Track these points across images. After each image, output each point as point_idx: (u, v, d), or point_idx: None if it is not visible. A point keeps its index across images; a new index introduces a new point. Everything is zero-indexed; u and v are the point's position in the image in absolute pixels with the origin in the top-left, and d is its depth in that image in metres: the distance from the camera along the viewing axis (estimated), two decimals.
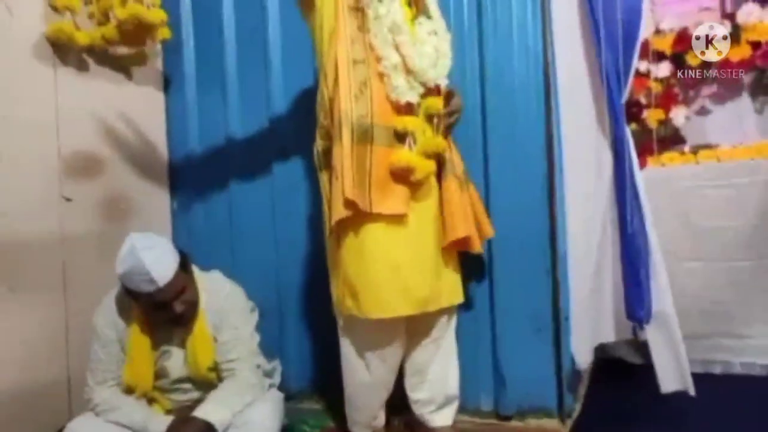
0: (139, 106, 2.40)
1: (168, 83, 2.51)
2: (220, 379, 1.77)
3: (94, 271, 2.08)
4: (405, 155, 1.69)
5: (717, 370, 2.34)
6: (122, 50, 2.28)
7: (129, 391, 1.74)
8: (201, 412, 1.65)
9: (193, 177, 2.48)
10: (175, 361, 1.76)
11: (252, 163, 2.37)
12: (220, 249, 2.38)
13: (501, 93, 2.04)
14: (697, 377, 2.17)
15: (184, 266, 1.69)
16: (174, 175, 2.52)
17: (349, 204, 1.66)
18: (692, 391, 1.90)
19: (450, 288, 1.84)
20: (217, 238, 2.42)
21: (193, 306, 1.71)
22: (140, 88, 2.41)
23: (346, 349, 1.86)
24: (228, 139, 2.41)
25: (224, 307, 1.78)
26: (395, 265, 1.69)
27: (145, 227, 2.07)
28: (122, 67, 2.32)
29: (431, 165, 1.74)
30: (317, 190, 1.91)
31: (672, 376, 1.92)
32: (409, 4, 1.79)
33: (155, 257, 1.59)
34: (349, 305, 1.72)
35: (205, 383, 1.78)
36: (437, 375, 1.91)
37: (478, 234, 1.85)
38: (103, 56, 2.23)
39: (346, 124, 1.66)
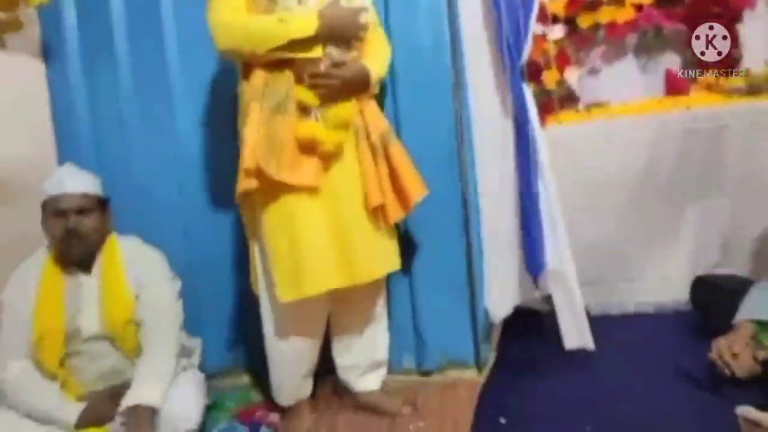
0: (18, 78, 2.16)
1: (48, 53, 2.29)
2: (137, 350, 1.70)
3: None
4: (310, 127, 1.66)
5: (614, 311, 2.53)
6: None
7: (38, 342, 1.64)
8: (136, 397, 1.58)
9: (84, 156, 2.25)
10: (88, 317, 1.68)
11: (151, 138, 2.22)
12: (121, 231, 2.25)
13: (408, 59, 2.03)
14: (597, 320, 2.36)
15: (103, 204, 1.76)
16: (62, 153, 2.29)
17: (251, 173, 1.63)
18: (591, 347, 2.05)
19: (382, 257, 1.82)
20: (116, 221, 2.27)
21: (93, 237, 1.71)
22: (17, 58, 2.17)
23: (269, 321, 1.84)
24: (121, 115, 2.22)
25: (147, 265, 1.77)
26: (322, 239, 1.68)
27: (29, 213, 1.91)
28: None
29: (340, 135, 1.71)
30: (226, 160, 1.87)
31: (573, 333, 2.06)
32: None
33: (76, 172, 1.73)
34: (284, 289, 1.69)
35: (123, 342, 1.70)
36: (364, 341, 1.94)
37: (399, 200, 1.80)
38: None
39: (256, 92, 1.64)
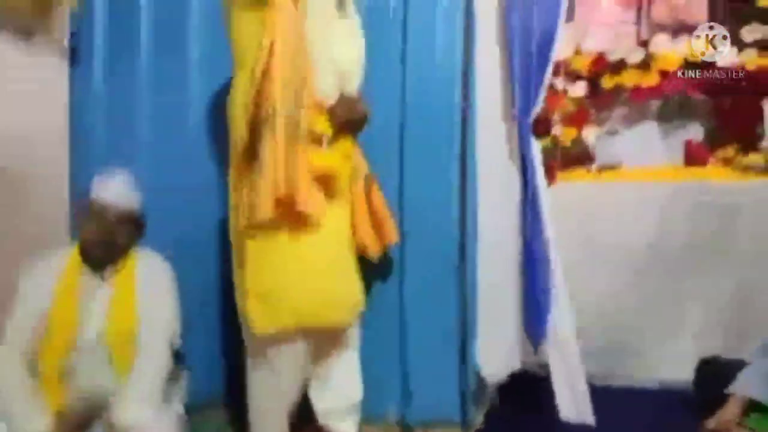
0: (39, 80, 2.12)
1: (74, 57, 2.26)
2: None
3: None
4: (328, 157, 1.66)
5: (616, 383, 2.41)
6: (24, 16, 2.04)
7: (47, 341, 1.63)
8: (123, 416, 1.56)
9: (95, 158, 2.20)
10: (93, 325, 1.66)
11: (161, 153, 2.19)
12: None
13: (419, 104, 2.03)
14: (598, 390, 2.26)
15: (139, 226, 1.78)
16: (75, 155, 2.22)
17: (280, 203, 1.59)
18: (590, 421, 1.96)
19: (360, 296, 1.81)
20: None
21: (122, 248, 1.73)
22: (42, 60, 2.12)
23: (253, 359, 1.80)
24: (137, 128, 2.19)
25: (156, 277, 1.76)
26: (316, 272, 1.66)
27: (38, 217, 1.91)
28: (25, 34, 2.06)
29: (349, 169, 1.73)
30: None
31: (569, 404, 1.99)
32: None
33: (131, 190, 1.76)
34: (264, 320, 1.66)
35: (121, 357, 1.66)
36: (341, 383, 1.89)
37: (376, 239, 1.84)
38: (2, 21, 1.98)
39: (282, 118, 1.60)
